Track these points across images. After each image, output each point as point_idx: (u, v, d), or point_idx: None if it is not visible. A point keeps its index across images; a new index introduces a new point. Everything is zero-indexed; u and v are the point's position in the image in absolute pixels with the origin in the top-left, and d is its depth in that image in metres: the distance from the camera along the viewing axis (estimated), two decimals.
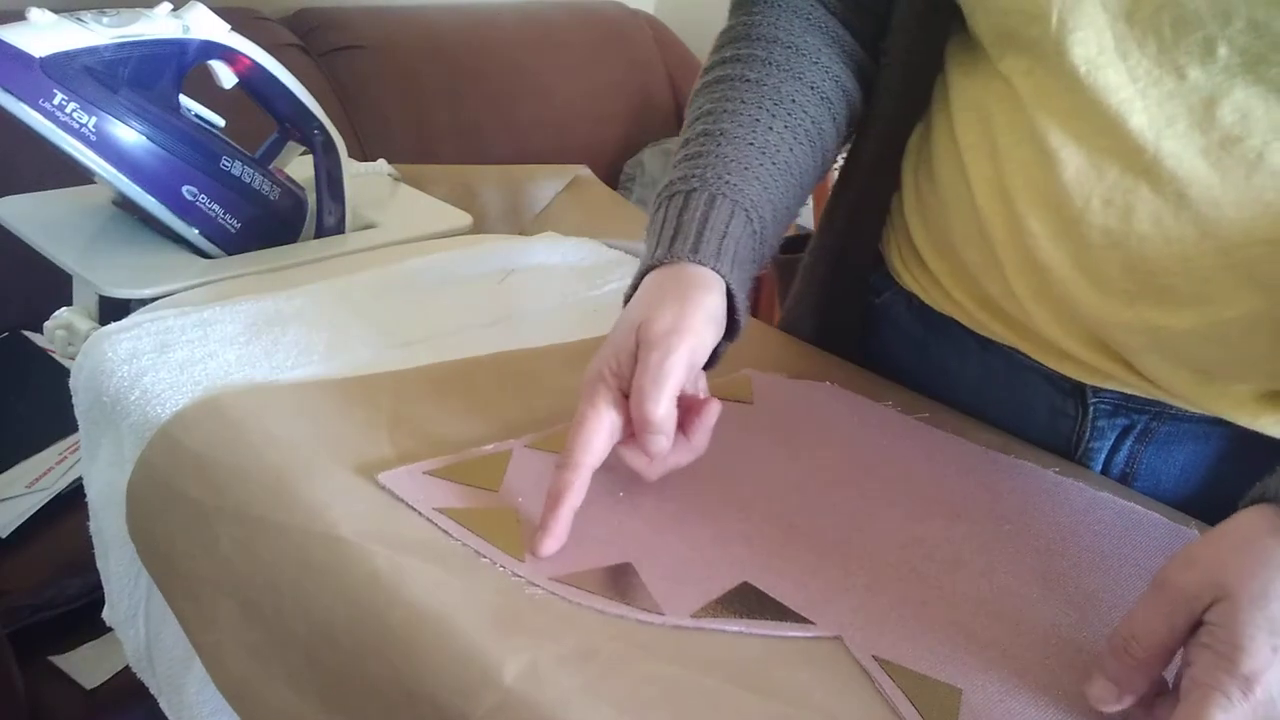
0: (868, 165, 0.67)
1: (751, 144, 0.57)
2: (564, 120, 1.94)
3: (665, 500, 0.52)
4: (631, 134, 2.03)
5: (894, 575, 0.49)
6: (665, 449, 0.49)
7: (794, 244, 0.77)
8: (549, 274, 0.78)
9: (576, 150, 1.88)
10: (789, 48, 0.61)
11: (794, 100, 0.60)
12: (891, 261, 0.69)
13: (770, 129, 0.58)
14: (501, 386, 0.62)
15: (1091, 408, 0.60)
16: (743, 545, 0.50)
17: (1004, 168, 0.56)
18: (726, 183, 0.55)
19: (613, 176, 1.96)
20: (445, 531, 0.48)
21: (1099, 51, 0.51)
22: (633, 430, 0.49)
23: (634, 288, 0.54)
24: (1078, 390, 0.60)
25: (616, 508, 0.52)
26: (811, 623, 0.45)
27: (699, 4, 2.27)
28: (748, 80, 0.60)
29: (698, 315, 0.50)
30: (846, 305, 0.72)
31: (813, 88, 0.61)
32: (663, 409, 0.48)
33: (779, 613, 0.46)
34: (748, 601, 0.46)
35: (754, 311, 0.61)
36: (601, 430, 0.48)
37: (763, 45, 0.61)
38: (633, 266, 0.82)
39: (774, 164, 0.58)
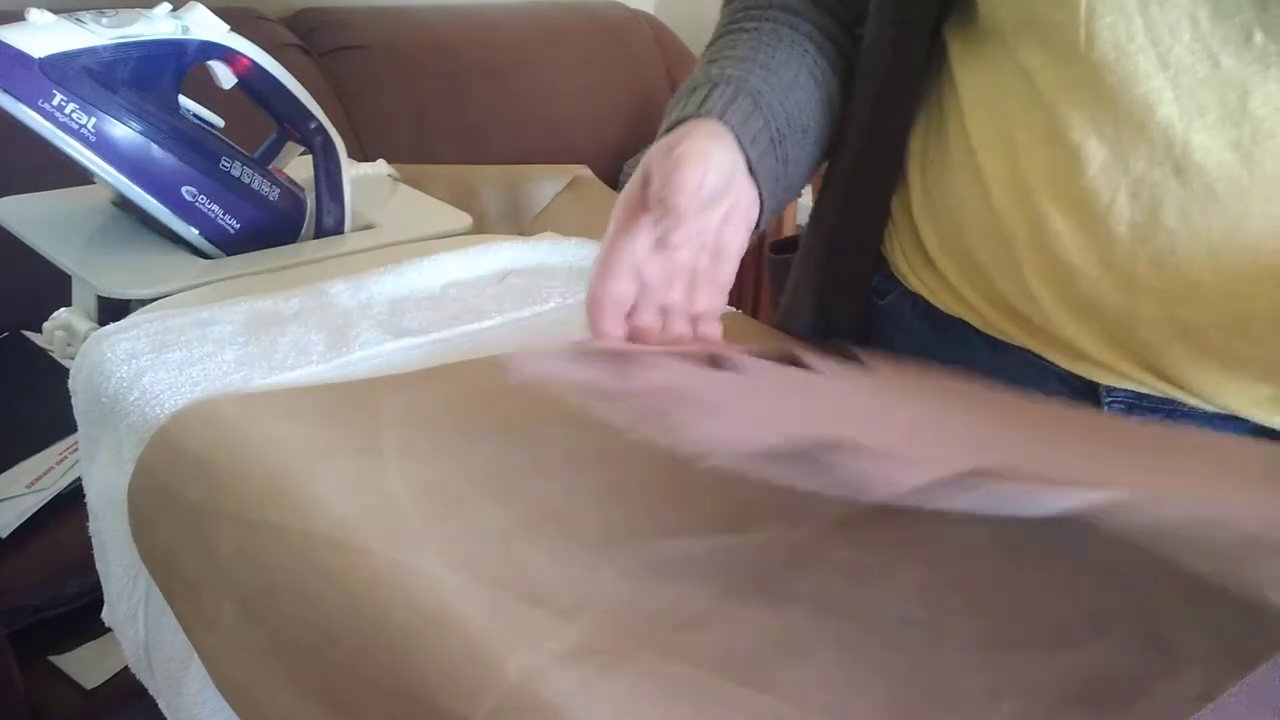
0: (853, 158, 0.67)
1: (753, 60, 0.59)
2: (564, 120, 1.94)
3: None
4: (631, 134, 2.03)
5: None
6: (684, 241, 0.48)
7: (787, 245, 0.77)
8: (549, 275, 0.78)
9: (576, 150, 1.88)
10: (785, 8, 0.64)
11: (794, 42, 0.62)
12: (896, 264, 0.68)
13: (774, 54, 0.60)
14: (501, 388, 0.61)
15: (1106, 407, 0.59)
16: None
17: (1022, 166, 0.56)
18: (727, 75, 0.57)
19: (613, 176, 1.96)
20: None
21: (1129, 38, 0.50)
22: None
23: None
24: (1090, 390, 0.59)
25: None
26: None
27: (699, 4, 2.26)
28: (745, 30, 0.62)
29: (704, 138, 0.53)
30: (842, 307, 0.71)
31: (809, 37, 0.63)
32: (684, 199, 0.47)
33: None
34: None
35: (752, 314, 0.60)
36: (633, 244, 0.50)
37: (759, 10, 0.64)
38: None
39: (778, 77, 0.59)
